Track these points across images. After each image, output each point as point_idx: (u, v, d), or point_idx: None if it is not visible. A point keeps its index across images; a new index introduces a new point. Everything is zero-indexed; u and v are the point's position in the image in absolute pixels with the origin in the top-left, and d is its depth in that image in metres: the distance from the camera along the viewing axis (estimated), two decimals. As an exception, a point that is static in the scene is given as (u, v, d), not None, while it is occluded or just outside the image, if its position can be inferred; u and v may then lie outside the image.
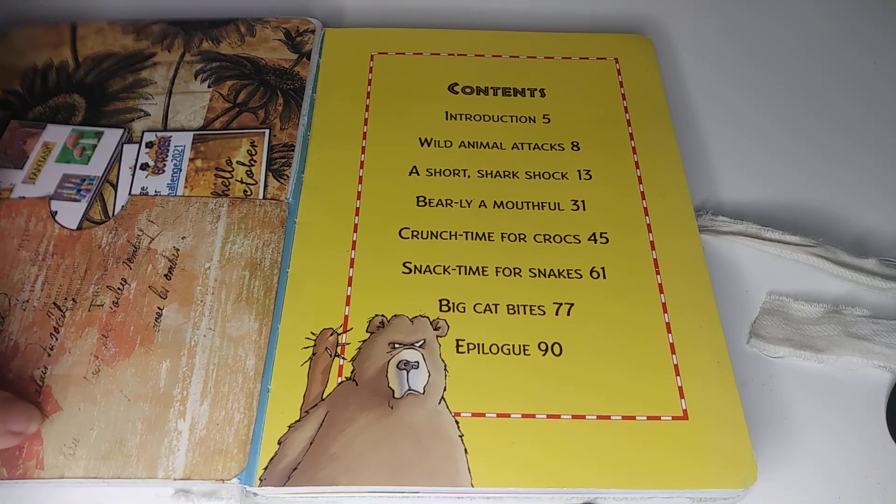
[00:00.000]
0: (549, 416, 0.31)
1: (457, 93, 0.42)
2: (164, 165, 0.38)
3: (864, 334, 0.35)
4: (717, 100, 0.45)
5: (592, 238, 0.36)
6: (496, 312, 0.34)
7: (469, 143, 0.40)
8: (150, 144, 0.39)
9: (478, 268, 0.35)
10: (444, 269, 0.35)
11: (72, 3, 0.48)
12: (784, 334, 0.35)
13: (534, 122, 0.41)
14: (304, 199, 0.37)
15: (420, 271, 0.35)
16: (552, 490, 0.30)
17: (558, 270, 0.35)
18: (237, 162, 0.38)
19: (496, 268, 0.35)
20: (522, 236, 0.36)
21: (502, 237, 0.36)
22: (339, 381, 0.31)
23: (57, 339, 0.32)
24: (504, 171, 0.39)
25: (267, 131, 0.39)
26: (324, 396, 0.31)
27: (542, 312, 0.34)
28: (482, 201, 0.37)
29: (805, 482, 0.32)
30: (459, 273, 0.35)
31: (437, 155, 0.39)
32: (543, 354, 0.32)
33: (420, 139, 0.40)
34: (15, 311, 0.33)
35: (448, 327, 0.33)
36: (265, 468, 0.29)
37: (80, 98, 0.41)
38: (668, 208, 0.37)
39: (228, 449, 0.30)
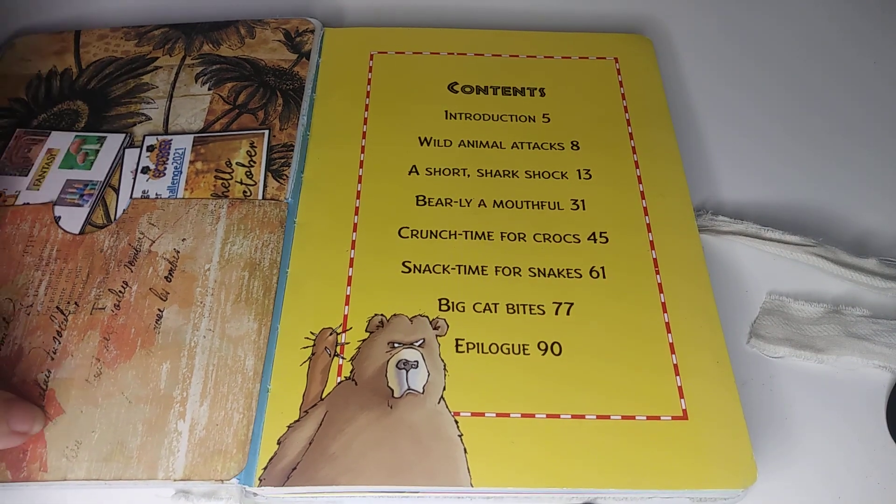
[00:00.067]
0: (548, 416, 0.31)
1: (456, 92, 0.42)
2: (165, 168, 0.38)
3: (864, 334, 0.35)
4: (717, 100, 0.45)
5: (592, 238, 0.36)
6: (496, 312, 0.34)
7: (469, 142, 0.40)
8: (151, 148, 0.39)
9: (477, 267, 0.35)
10: (444, 269, 0.35)
11: (75, 11, 0.48)
12: (784, 334, 0.35)
13: (533, 121, 0.41)
14: (303, 199, 0.37)
15: (419, 271, 0.35)
16: (552, 490, 0.30)
17: (558, 270, 0.35)
18: (237, 163, 0.38)
19: (496, 267, 0.35)
20: (522, 236, 0.36)
21: (502, 237, 0.36)
22: (339, 380, 0.32)
23: (60, 343, 0.32)
24: (504, 171, 0.39)
25: (266, 132, 0.39)
26: (323, 396, 0.31)
27: (541, 312, 0.34)
28: (482, 201, 0.37)
29: (805, 482, 0.32)
30: (459, 272, 0.35)
31: (437, 154, 0.39)
32: (543, 354, 0.32)
33: (420, 138, 0.40)
34: (19, 315, 0.33)
35: (447, 327, 0.33)
36: (264, 468, 0.29)
37: (83, 104, 0.41)
38: (668, 208, 0.37)
39: (228, 449, 0.30)
